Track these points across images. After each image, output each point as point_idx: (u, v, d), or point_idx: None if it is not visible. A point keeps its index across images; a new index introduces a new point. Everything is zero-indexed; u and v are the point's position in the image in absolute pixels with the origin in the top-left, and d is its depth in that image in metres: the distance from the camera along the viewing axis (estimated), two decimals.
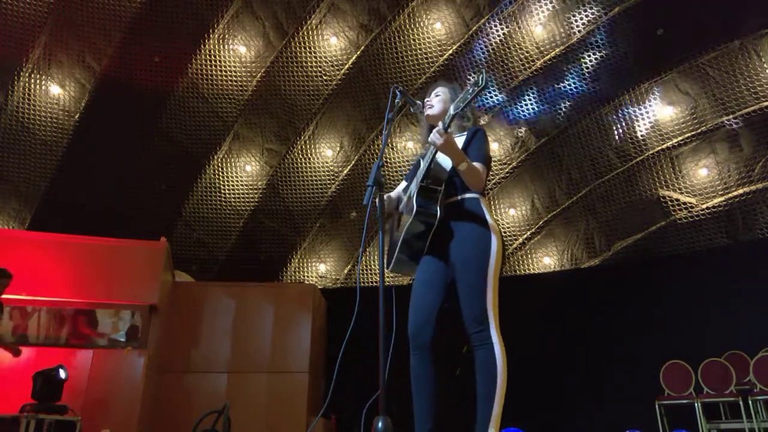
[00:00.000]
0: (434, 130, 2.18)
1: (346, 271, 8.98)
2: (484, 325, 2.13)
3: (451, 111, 2.17)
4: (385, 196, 2.38)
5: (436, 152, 2.26)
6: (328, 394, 2.24)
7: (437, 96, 2.54)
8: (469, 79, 2.13)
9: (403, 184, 2.64)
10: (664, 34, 6.77)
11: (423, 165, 2.33)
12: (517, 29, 7.28)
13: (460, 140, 2.43)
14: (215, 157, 8.20)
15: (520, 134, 7.90)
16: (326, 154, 8.46)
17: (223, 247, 8.67)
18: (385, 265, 2.48)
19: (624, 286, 7.10)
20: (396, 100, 2.40)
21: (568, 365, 6.75)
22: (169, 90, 7.57)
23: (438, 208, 2.27)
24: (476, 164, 2.28)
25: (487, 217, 2.28)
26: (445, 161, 2.34)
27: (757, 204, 7.04)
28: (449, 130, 2.23)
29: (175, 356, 6.10)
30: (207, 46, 7.39)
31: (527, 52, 7.38)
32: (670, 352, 6.21)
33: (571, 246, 8.20)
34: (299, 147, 8.33)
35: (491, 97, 7.76)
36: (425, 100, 2.56)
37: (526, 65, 7.44)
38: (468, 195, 2.33)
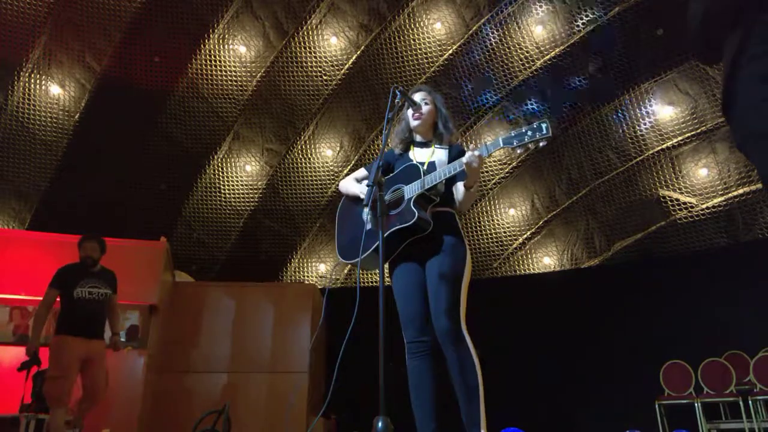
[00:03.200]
0: (475, 155, 2.18)
1: (346, 271, 8.98)
2: (457, 325, 2.20)
3: (501, 143, 2.20)
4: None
5: (454, 170, 2.27)
6: (328, 394, 2.24)
7: (426, 105, 2.55)
8: (526, 120, 2.14)
9: (362, 172, 2.67)
10: (664, 34, 6.77)
11: (432, 176, 2.32)
12: (517, 29, 7.29)
13: (442, 152, 2.47)
14: (215, 157, 8.20)
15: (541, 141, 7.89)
16: (326, 154, 8.46)
17: (223, 247, 8.67)
18: (341, 255, 2.54)
19: (624, 286, 7.09)
20: (396, 100, 2.41)
21: (567, 365, 6.75)
22: (169, 90, 7.57)
23: (430, 217, 2.34)
24: None
25: (461, 231, 2.41)
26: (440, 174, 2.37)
27: (757, 204, 7.04)
28: (437, 144, 2.45)
29: (175, 356, 6.10)
30: (207, 46, 7.39)
31: (527, 52, 7.38)
32: (670, 352, 6.21)
33: (571, 246, 8.20)
34: (299, 147, 8.33)
35: (492, 97, 7.76)
36: (415, 108, 2.54)
37: (526, 65, 7.43)
38: (451, 209, 2.43)
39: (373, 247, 2.38)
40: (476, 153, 2.19)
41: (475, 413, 2.11)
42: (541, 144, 2.12)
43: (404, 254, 2.39)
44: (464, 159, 2.21)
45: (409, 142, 2.59)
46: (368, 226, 2.45)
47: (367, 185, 2.18)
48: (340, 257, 2.54)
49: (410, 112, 2.56)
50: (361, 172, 2.68)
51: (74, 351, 4.10)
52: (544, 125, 2.07)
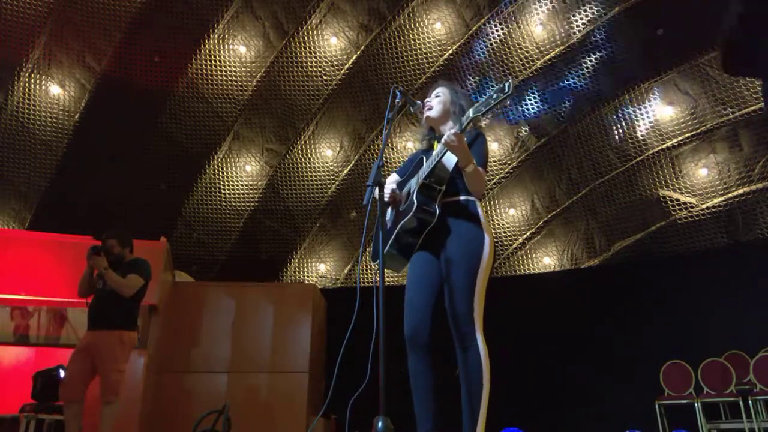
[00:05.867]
0: (450, 132, 2.17)
1: (346, 271, 8.98)
2: (468, 327, 2.15)
3: (471, 114, 2.16)
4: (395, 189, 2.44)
5: (444, 153, 2.26)
6: (328, 394, 2.24)
7: (437, 97, 2.53)
8: (493, 85, 2.11)
9: (394, 176, 2.64)
10: (664, 34, 6.77)
11: (428, 163, 2.34)
12: (517, 29, 7.28)
13: None
14: (215, 157, 8.19)
15: (521, 134, 7.89)
16: (326, 154, 8.46)
17: (223, 247, 8.67)
18: (372, 258, 2.51)
19: (624, 286, 7.09)
20: (396, 100, 2.41)
21: (567, 365, 6.75)
22: (169, 90, 7.57)
23: (437, 207, 2.29)
24: (479, 168, 2.29)
25: (482, 219, 2.31)
26: (448, 161, 2.34)
27: (757, 204, 7.04)
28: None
29: (175, 356, 6.09)
30: (207, 46, 7.39)
31: (527, 52, 7.37)
32: (670, 352, 6.21)
33: (571, 246, 8.20)
34: (299, 147, 8.33)
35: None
36: (425, 101, 2.56)
37: (526, 65, 7.43)
38: (467, 197, 2.35)
39: (388, 245, 2.38)
40: (451, 131, 2.17)
41: (474, 418, 2.09)
42: (507, 102, 2.14)
43: (422, 245, 2.37)
44: (442, 140, 2.21)
45: (431, 140, 2.59)
46: (389, 227, 2.47)
47: (367, 185, 2.19)
48: (372, 261, 2.50)
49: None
50: (393, 176, 2.65)
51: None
52: (506, 84, 2.06)
